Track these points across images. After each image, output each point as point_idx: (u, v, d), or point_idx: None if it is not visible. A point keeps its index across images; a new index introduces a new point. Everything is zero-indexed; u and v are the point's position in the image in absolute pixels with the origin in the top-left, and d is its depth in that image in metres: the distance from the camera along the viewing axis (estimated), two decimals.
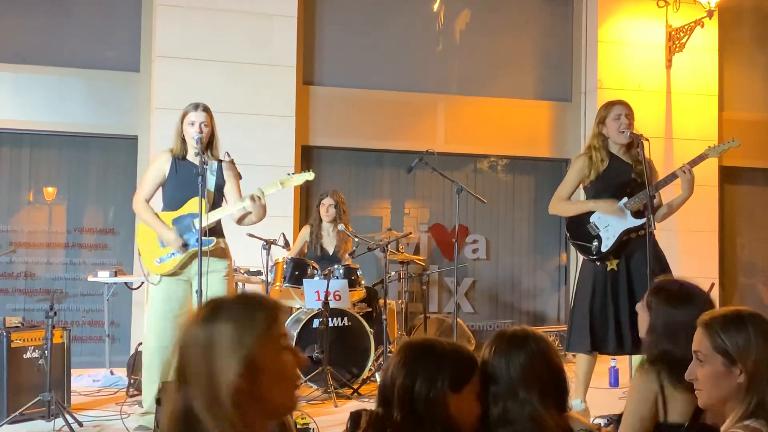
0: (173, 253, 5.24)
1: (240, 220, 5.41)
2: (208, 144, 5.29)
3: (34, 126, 8.08)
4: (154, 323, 5.23)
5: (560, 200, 5.48)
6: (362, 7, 9.05)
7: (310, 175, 5.58)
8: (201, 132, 5.20)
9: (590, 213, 5.34)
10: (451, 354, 2.38)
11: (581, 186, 5.55)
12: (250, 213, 5.31)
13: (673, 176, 5.25)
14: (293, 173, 5.54)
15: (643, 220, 5.14)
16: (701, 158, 5.27)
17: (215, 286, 5.18)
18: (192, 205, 5.24)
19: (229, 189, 5.39)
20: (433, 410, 2.28)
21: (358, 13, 9.03)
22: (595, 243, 5.26)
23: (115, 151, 8.38)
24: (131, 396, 6.16)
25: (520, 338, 2.43)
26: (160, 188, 5.43)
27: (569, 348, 5.38)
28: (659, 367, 2.80)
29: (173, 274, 5.28)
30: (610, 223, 5.26)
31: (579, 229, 5.36)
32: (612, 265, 5.23)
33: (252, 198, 5.19)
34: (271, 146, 8.08)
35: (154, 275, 5.30)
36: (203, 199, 5.07)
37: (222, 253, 5.33)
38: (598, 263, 5.28)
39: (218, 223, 5.34)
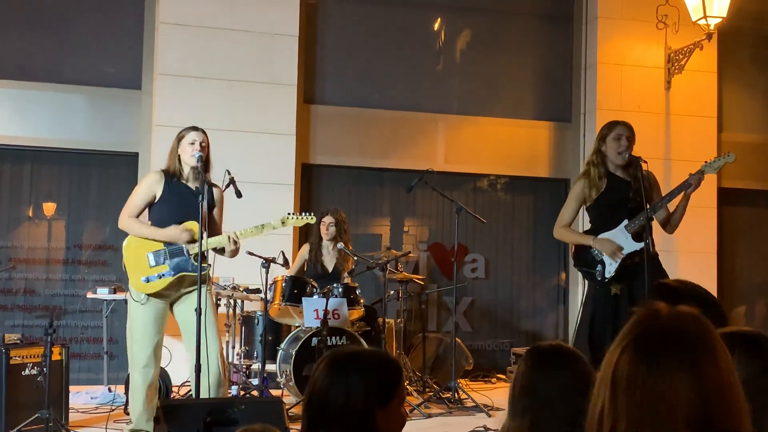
0: (162, 275, 5.16)
1: (218, 251, 5.38)
2: (205, 165, 5.25)
3: (35, 142, 8.10)
4: (141, 344, 5.17)
5: (563, 227, 5.50)
6: (363, 26, 9.10)
7: (311, 219, 5.58)
8: (202, 150, 5.21)
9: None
10: (379, 365, 2.32)
11: (583, 208, 5.55)
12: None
13: (686, 185, 5.23)
14: (295, 214, 5.51)
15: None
16: (700, 173, 5.27)
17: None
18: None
19: (215, 213, 5.41)
20: (364, 427, 2.22)
21: (360, 33, 9.09)
22: (599, 268, 5.26)
23: (115, 167, 8.40)
24: (129, 413, 6.15)
25: (561, 353, 2.38)
26: (147, 208, 5.36)
27: None
28: None
29: (158, 295, 5.21)
30: None
31: (583, 256, 5.37)
32: (615, 289, 5.23)
33: (228, 238, 5.19)
34: (272, 164, 8.10)
35: (138, 293, 5.20)
36: (201, 220, 5.06)
37: (208, 277, 5.33)
38: (601, 287, 5.28)
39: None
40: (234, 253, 5.30)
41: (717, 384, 1.50)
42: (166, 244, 5.19)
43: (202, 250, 5.00)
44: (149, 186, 5.28)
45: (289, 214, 5.49)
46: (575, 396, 2.24)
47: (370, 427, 2.22)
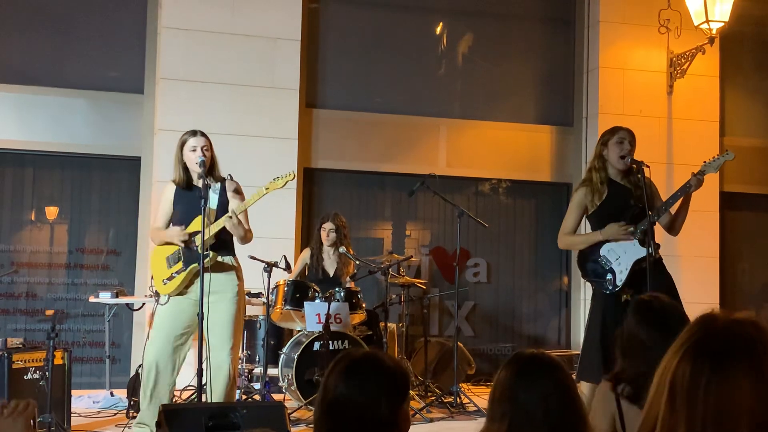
0: (178, 271, 5.31)
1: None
2: (211, 166, 5.35)
3: (37, 146, 8.11)
4: (157, 340, 5.28)
5: (566, 234, 5.46)
6: (365, 30, 9.11)
7: (291, 176, 5.53)
8: (203, 155, 5.27)
9: (599, 247, 5.31)
10: (395, 366, 2.31)
11: (585, 216, 5.52)
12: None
13: (686, 186, 5.20)
14: (277, 178, 5.48)
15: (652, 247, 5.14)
16: (701, 173, 5.24)
17: (222, 308, 5.19)
18: (196, 224, 5.28)
19: (233, 206, 5.41)
20: (389, 428, 2.22)
21: (362, 37, 9.09)
22: (609, 277, 5.22)
23: (117, 171, 8.41)
24: (131, 417, 6.15)
25: (542, 362, 2.38)
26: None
27: (579, 377, 5.27)
28: (616, 385, 2.83)
29: (180, 293, 5.34)
30: (620, 255, 5.22)
31: (591, 267, 5.33)
32: (627, 295, 5.19)
33: (227, 217, 5.21)
34: (274, 168, 7.99)
35: (162, 296, 5.38)
36: (205, 219, 5.08)
37: (228, 269, 5.35)
38: (612, 296, 5.24)
39: (225, 239, 5.36)
40: (239, 233, 5.28)
41: None
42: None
43: (205, 239, 5.07)
44: (165, 198, 5.50)
45: (274, 178, 5.43)
46: (554, 405, 2.26)
47: (395, 427, 2.23)
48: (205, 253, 5.07)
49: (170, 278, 5.33)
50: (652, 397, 1.54)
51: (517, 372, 2.31)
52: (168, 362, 5.26)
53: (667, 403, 1.49)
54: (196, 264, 5.22)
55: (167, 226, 5.47)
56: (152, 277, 5.53)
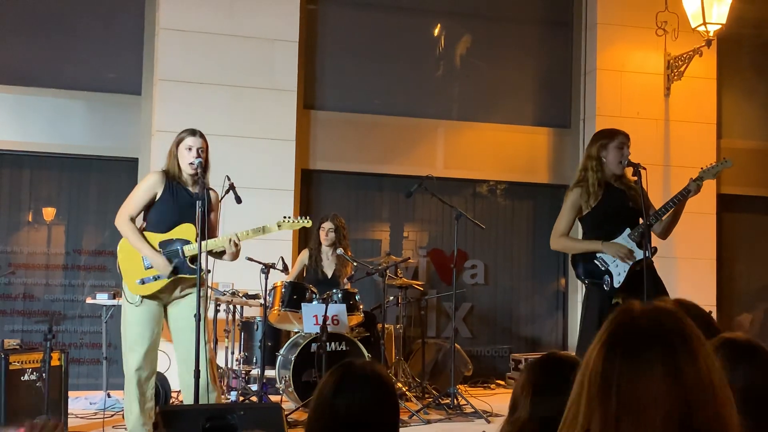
0: (158, 277, 5.12)
1: (217, 255, 5.33)
2: (203, 171, 5.18)
3: (34, 147, 8.11)
4: (133, 347, 5.12)
5: (561, 236, 5.41)
6: (363, 32, 9.12)
7: (307, 222, 5.54)
8: (199, 157, 5.17)
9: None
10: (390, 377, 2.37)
11: (578, 218, 5.50)
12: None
13: (685, 192, 5.18)
14: (292, 218, 5.49)
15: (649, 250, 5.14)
16: (699, 179, 5.23)
17: (191, 308, 5.08)
18: (182, 231, 5.16)
19: (212, 217, 5.33)
20: None
21: (359, 39, 9.10)
22: (606, 278, 5.21)
23: (115, 173, 8.40)
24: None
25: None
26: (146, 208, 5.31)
27: None
28: None
29: (153, 297, 5.16)
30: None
31: (588, 267, 5.31)
32: (617, 298, 5.18)
33: (229, 240, 5.15)
34: (272, 170, 8.11)
35: (133, 295, 5.16)
36: (197, 226, 4.98)
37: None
38: (607, 296, 5.24)
39: None
40: (234, 255, 5.26)
41: (697, 382, 1.42)
42: (161, 246, 5.15)
43: (200, 253, 4.97)
44: (150, 186, 5.23)
45: (285, 217, 5.45)
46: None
47: None
48: (202, 268, 4.99)
49: (146, 280, 5.13)
50: (573, 391, 1.52)
51: (547, 373, 2.33)
52: (150, 371, 5.18)
53: (585, 395, 1.47)
54: (182, 276, 5.13)
55: (137, 216, 5.22)
56: (119, 269, 5.22)
